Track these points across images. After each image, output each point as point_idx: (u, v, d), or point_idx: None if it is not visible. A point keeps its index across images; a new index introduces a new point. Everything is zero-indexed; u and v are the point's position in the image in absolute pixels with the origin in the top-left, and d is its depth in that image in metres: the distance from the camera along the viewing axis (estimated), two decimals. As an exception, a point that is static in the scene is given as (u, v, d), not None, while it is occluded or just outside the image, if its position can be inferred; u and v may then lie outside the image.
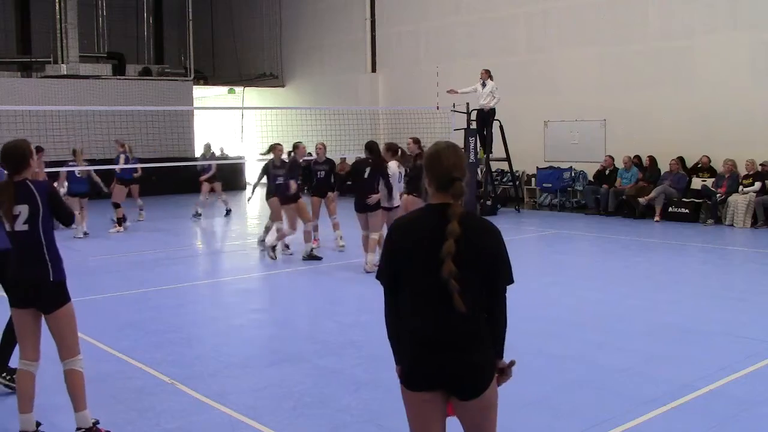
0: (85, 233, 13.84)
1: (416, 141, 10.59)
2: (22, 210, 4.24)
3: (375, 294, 9.17)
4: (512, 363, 2.97)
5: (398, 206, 10.17)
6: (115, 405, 5.06)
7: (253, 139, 20.18)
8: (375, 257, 9.65)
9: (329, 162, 11.84)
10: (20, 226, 4.25)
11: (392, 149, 10.38)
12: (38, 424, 4.45)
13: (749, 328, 6.89)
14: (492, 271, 2.82)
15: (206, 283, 9.80)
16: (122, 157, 14.76)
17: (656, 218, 14.79)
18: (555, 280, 8.98)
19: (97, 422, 4.48)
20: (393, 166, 10.20)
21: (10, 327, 4.79)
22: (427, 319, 2.81)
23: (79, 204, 14.15)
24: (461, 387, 2.82)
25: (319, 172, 11.60)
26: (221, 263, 11.21)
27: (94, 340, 6.61)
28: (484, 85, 15.90)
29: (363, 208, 9.98)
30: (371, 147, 10.16)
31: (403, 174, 10.35)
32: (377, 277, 2.98)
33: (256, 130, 18.35)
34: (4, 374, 5.16)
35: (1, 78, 21.87)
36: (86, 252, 11.96)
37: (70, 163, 13.83)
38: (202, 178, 16.39)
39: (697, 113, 15.17)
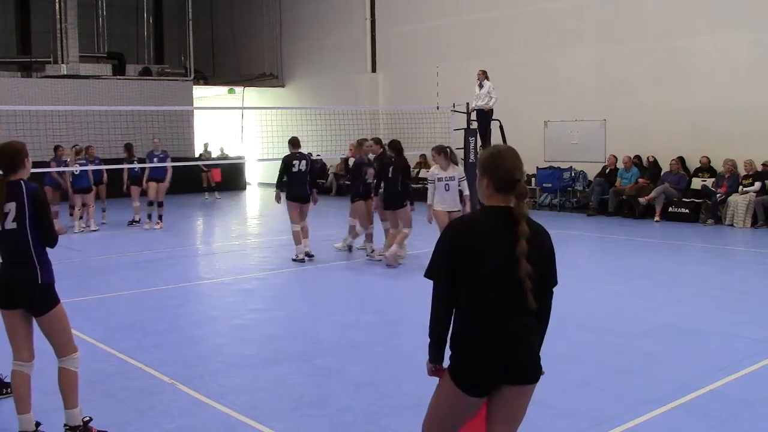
0: (85, 228, 14.03)
1: (378, 141, 11.00)
2: (11, 207, 4.25)
3: (375, 294, 9.18)
4: None
5: (459, 210, 9.62)
6: (115, 405, 5.06)
7: (253, 139, 20.19)
8: (395, 248, 10.11)
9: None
10: (10, 224, 4.26)
11: (443, 152, 9.86)
12: (38, 424, 4.45)
13: (749, 328, 6.89)
14: (547, 270, 2.98)
15: (206, 283, 9.80)
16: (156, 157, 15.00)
17: (656, 218, 14.79)
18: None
19: (89, 420, 4.47)
20: (459, 170, 9.93)
21: None
22: (493, 319, 2.87)
23: (81, 200, 14.18)
24: (524, 373, 2.90)
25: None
26: (221, 263, 11.20)
27: (94, 340, 6.62)
28: (481, 85, 15.83)
29: (391, 205, 10.22)
30: (394, 146, 10.41)
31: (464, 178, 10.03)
32: (428, 276, 2.99)
33: (256, 130, 18.35)
34: (5, 390, 5.15)
35: (1, 78, 21.87)
36: (86, 252, 11.96)
37: (68, 161, 13.91)
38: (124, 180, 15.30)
39: (697, 113, 15.17)
